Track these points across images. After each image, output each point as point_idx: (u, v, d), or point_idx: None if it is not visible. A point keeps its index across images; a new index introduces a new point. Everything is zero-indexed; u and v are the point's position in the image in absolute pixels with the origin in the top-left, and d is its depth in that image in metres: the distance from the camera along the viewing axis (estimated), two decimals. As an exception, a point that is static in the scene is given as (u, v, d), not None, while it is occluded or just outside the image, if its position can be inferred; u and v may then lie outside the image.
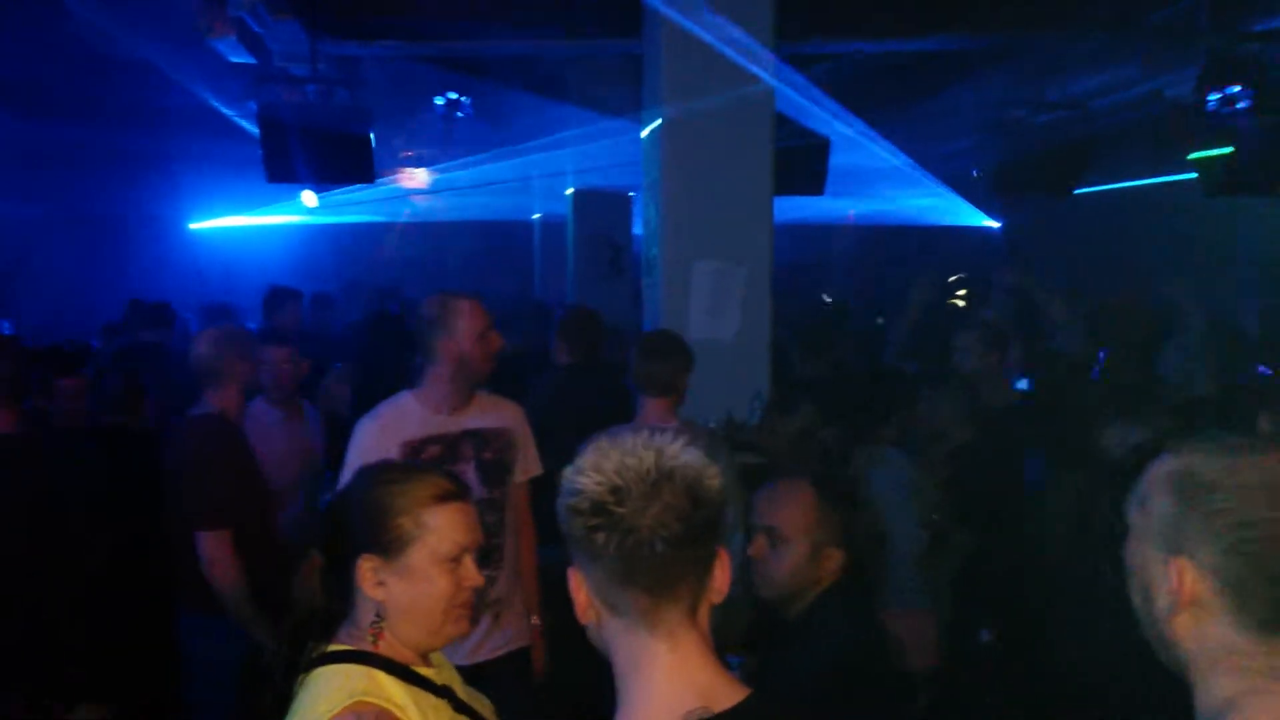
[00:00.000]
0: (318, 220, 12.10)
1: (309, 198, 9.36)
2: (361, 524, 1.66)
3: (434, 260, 12.44)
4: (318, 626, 1.67)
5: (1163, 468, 1.30)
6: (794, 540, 2.28)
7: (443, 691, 1.68)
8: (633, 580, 1.27)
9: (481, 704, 1.77)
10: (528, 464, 3.32)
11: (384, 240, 12.84)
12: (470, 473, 3.10)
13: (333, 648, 1.65)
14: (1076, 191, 8.09)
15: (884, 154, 8.26)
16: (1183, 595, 1.24)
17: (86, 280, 10.04)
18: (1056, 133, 7.60)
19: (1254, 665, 1.20)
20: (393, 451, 2.94)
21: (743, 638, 2.52)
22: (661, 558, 1.25)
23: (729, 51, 4.58)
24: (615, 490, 1.26)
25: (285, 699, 1.62)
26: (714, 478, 1.32)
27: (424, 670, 1.67)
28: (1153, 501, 1.29)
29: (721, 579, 1.35)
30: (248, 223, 12.38)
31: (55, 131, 8.36)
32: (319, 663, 1.63)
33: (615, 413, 4.37)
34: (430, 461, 3.00)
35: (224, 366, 3.53)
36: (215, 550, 3.27)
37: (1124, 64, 6.62)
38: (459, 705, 1.69)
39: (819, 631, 2.25)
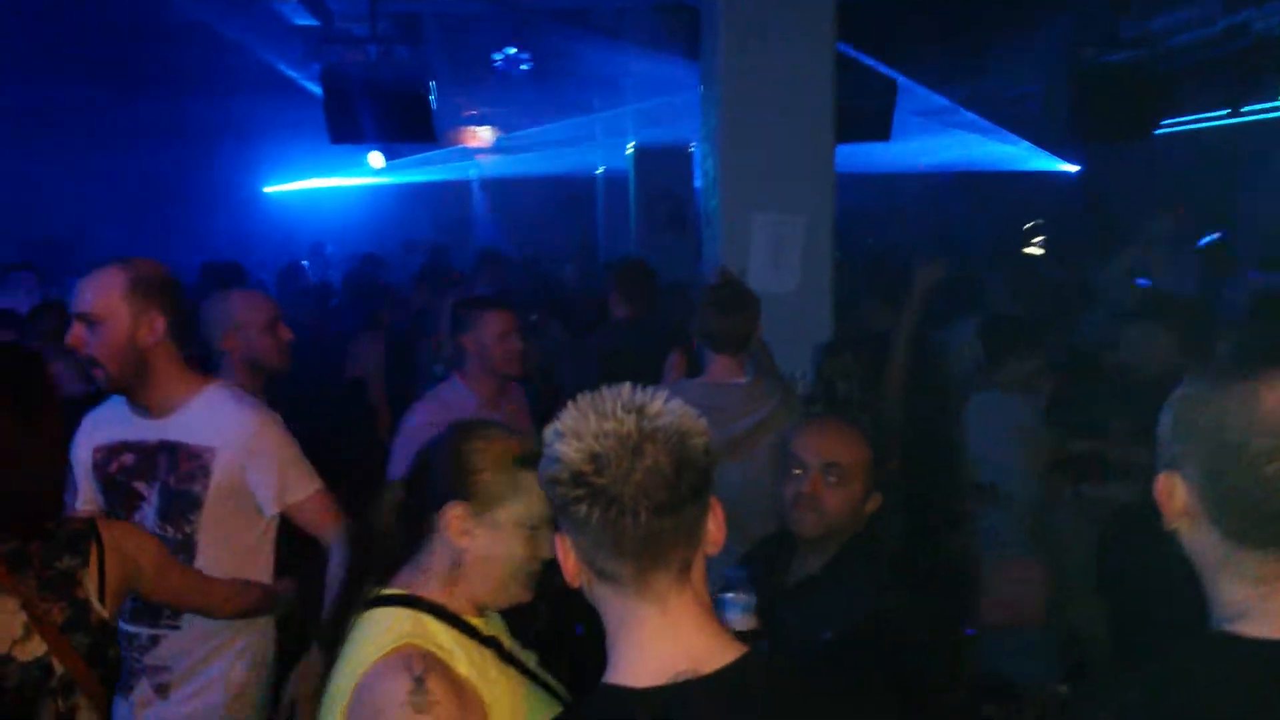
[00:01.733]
0: (385, 181, 12.26)
1: (376, 159, 9.49)
2: (454, 472, 1.68)
3: (500, 217, 12.54)
4: (381, 569, 1.70)
5: (1177, 389, 1.34)
6: (855, 478, 2.30)
7: (489, 641, 1.69)
8: (619, 550, 1.22)
9: (527, 656, 1.79)
10: (266, 495, 2.54)
11: (452, 199, 12.98)
12: (151, 499, 2.47)
13: (387, 591, 1.67)
14: (1156, 133, 7.78)
15: (949, 98, 8.04)
16: (1172, 507, 1.32)
17: (162, 246, 10.33)
18: (1133, 72, 7.29)
19: (1254, 574, 1.26)
20: (82, 457, 2.51)
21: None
22: (646, 527, 1.21)
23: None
24: (594, 458, 1.20)
25: (339, 639, 1.66)
26: (699, 435, 1.27)
27: (473, 620, 1.69)
28: (1160, 420, 1.35)
29: (716, 531, 1.32)
30: (320, 185, 12.63)
31: (127, 99, 8.59)
32: (372, 605, 1.66)
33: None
34: (119, 475, 2.49)
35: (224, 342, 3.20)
36: None
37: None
38: (505, 656, 1.71)
39: (850, 576, 2.26)
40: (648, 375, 3.57)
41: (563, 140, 9.59)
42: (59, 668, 1.85)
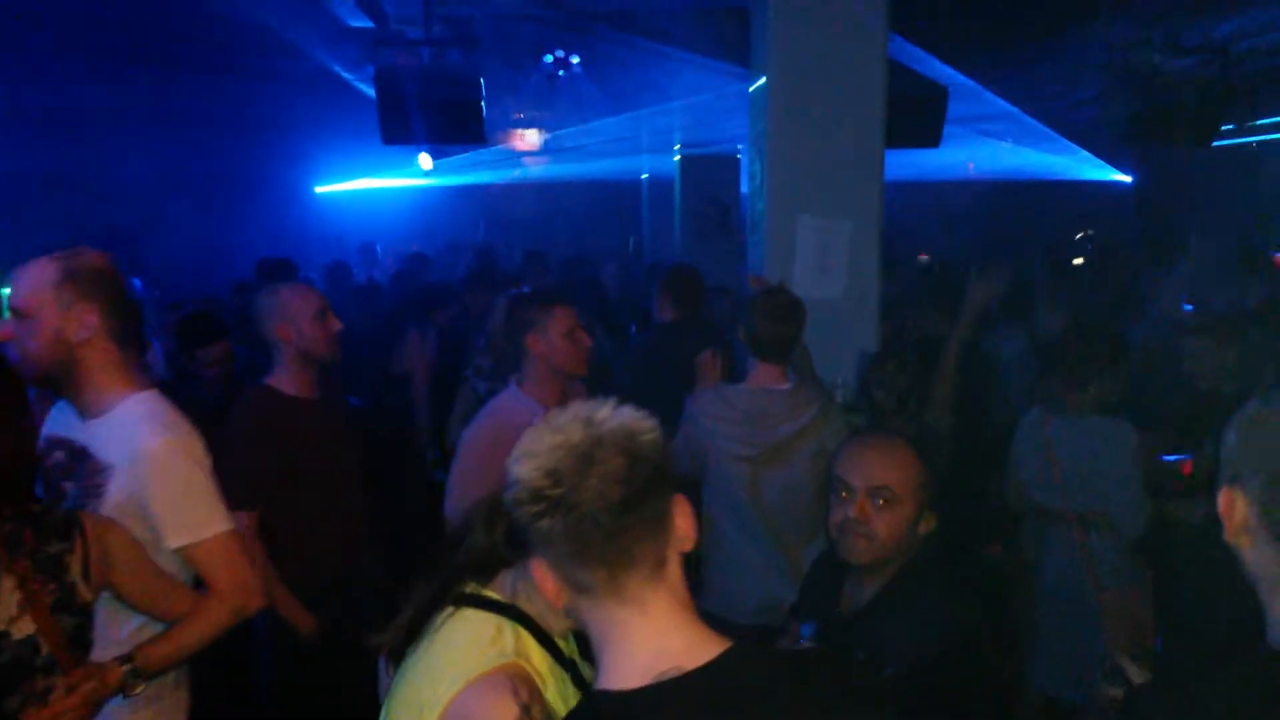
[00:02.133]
0: (435, 183, 12.40)
1: (425, 160, 9.59)
2: None
3: (545, 219, 12.61)
4: (483, 569, 1.63)
5: (1244, 407, 1.35)
6: (904, 499, 2.17)
7: (569, 664, 1.63)
8: (587, 557, 1.25)
9: (587, 671, 1.72)
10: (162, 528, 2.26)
11: (498, 200, 13.09)
12: (70, 503, 2.28)
13: (488, 593, 1.60)
14: (1215, 144, 7.63)
15: (1003, 104, 7.94)
16: (1231, 521, 1.32)
17: (215, 242, 10.52)
18: (1193, 80, 7.16)
19: None
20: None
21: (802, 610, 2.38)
22: (609, 529, 1.23)
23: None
24: (550, 473, 1.25)
25: (423, 620, 1.60)
26: (648, 432, 1.29)
27: (561, 643, 1.63)
28: (1225, 437, 1.35)
29: (684, 526, 1.32)
30: (369, 185, 12.80)
31: (184, 96, 8.76)
32: (470, 602, 1.58)
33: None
34: (53, 470, 2.33)
35: (277, 332, 3.27)
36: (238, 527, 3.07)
37: (1267, 5, 6.19)
38: (579, 681, 1.65)
39: (916, 602, 2.13)
40: (692, 379, 3.62)
41: (609, 143, 9.62)
42: (44, 648, 1.89)
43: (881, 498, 2.17)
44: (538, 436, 1.29)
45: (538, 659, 1.55)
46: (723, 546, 3.35)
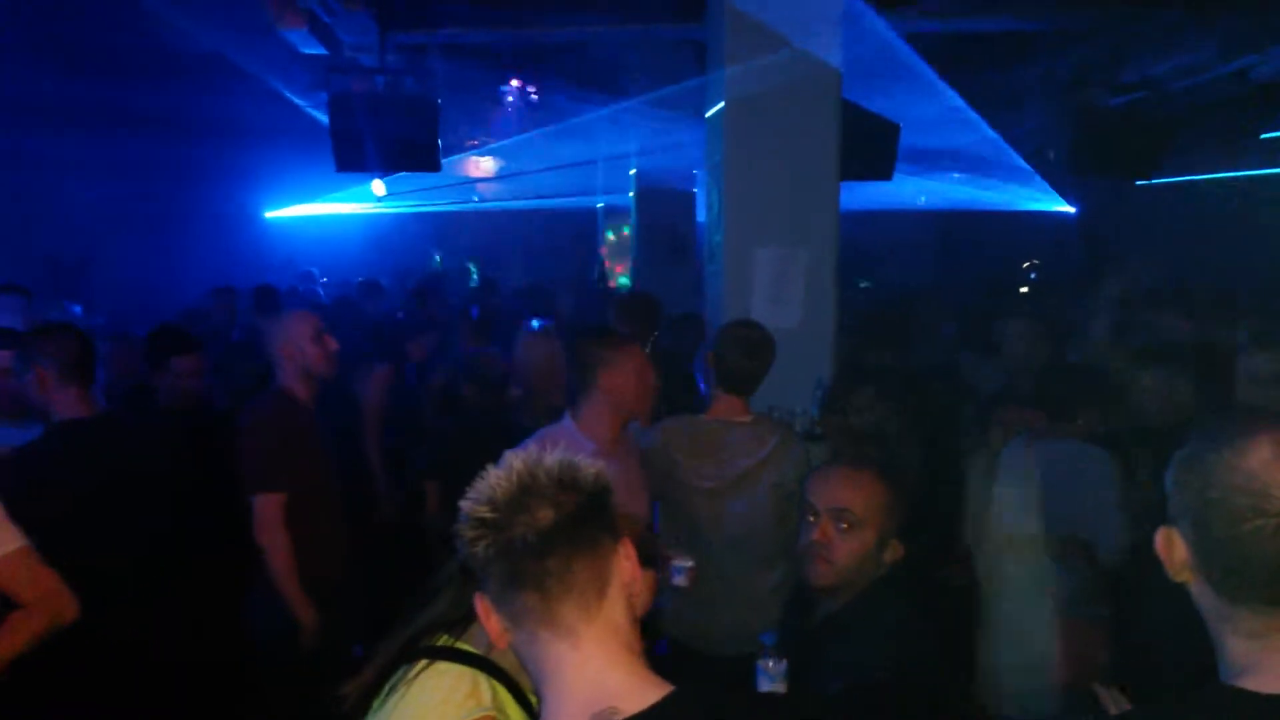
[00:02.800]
0: (388, 210, 12.31)
1: (378, 187, 9.53)
2: None
3: (499, 247, 12.57)
4: (456, 622, 1.63)
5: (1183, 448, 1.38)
6: (867, 524, 2.19)
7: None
8: (519, 582, 1.26)
9: None
10: None
11: (453, 227, 13.02)
12: None
13: (462, 645, 1.59)
14: (1154, 181, 7.85)
15: (953, 135, 8.10)
16: (1171, 561, 1.34)
17: (164, 269, 10.35)
18: (1133, 115, 7.37)
19: (1248, 629, 1.29)
20: None
21: (775, 629, 2.41)
22: (539, 550, 1.25)
23: (793, 33, 4.53)
24: (489, 500, 1.28)
25: (385, 677, 1.59)
26: (587, 467, 1.32)
27: (532, 697, 1.58)
28: (1165, 476, 1.38)
29: (629, 569, 1.33)
30: (321, 211, 12.66)
31: (132, 122, 8.62)
32: (445, 655, 1.58)
33: (677, 399, 4.39)
34: None
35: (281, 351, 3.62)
36: (265, 511, 3.35)
37: (1203, 44, 6.40)
38: None
39: (871, 623, 2.15)
40: (663, 403, 3.60)
41: (565, 172, 9.64)
42: None
43: (844, 521, 2.20)
44: (484, 475, 1.33)
45: (514, 713, 1.54)
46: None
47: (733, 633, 3.18)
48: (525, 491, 1.27)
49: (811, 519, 2.24)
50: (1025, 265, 12.32)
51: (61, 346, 3.17)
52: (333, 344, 3.64)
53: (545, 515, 1.26)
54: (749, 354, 3.33)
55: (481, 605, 1.32)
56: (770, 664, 2.22)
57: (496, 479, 1.30)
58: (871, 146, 6.19)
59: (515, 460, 1.31)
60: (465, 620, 1.60)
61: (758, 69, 4.58)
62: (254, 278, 9.52)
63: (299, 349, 3.57)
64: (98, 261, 10.34)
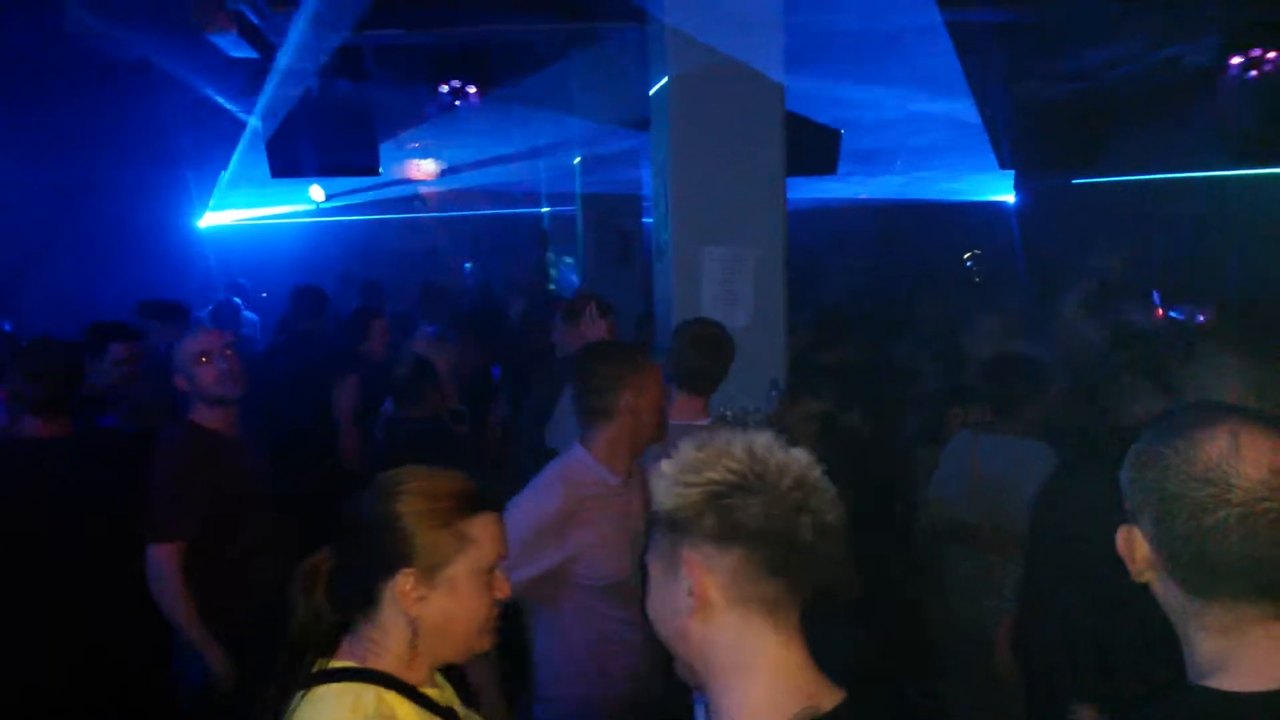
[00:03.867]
0: (327, 218, 12.07)
1: (317, 192, 9.33)
2: (393, 538, 1.55)
3: (443, 252, 12.39)
4: (320, 640, 1.58)
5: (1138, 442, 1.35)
6: None
7: (446, 713, 1.61)
8: (780, 570, 1.22)
9: (469, 717, 1.71)
10: None
11: (394, 233, 12.81)
12: None
13: (335, 664, 1.56)
14: (1088, 180, 7.99)
15: (896, 129, 8.15)
16: (1133, 560, 1.32)
17: (92, 280, 10.01)
18: (1071, 106, 7.48)
19: (1217, 625, 1.26)
20: None
21: None
22: (811, 547, 1.22)
23: (735, 33, 4.49)
24: (778, 472, 1.24)
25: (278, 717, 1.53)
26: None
27: (429, 691, 1.60)
28: (1120, 473, 1.35)
29: None
30: (256, 220, 12.35)
31: (56, 131, 8.33)
32: (320, 680, 1.53)
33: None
34: None
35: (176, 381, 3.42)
36: (155, 562, 3.14)
37: (1138, 33, 6.51)
38: None
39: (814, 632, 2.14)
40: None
41: (509, 172, 9.52)
42: None
43: None
44: (725, 447, 1.28)
45: (406, 714, 1.52)
46: None
47: None
48: (809, 487, 1.24)
49: None
50: (965, 256, 12.45)
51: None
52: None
53: (834, 515, 1.24)
54: (708, 353, 3.27)
55: (695, 568, 1.24)
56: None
57: (760, 455, 1.25)
58: (816, 141, 6.20)
59: (773, 449, 1.26)
60: (329, 635, 1.58)
61: (700, 67, 4.53)
62: (186, 288, 9.27)
63: (187, 375, 3.34)
64: (25, 274, 9.98)
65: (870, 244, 12.20)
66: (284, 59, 5.71)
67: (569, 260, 10.70)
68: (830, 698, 1.24)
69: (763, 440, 1.28)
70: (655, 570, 1.32)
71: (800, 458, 1.27)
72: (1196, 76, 6.35)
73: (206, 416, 3.37)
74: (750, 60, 4.50)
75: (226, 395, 3.36)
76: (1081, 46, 6.96)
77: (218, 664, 3.18)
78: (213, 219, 12.15)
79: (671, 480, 1.27)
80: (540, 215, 12.21)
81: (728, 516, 1.22)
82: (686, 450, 1.29)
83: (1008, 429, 3.64)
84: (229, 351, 3.39)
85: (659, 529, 1.30)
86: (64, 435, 3.38)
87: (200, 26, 5.37)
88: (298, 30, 5.43)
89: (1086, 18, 6.27)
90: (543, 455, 3.38)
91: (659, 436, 2.76)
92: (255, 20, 5.38)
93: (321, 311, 5.55)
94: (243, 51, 6.20)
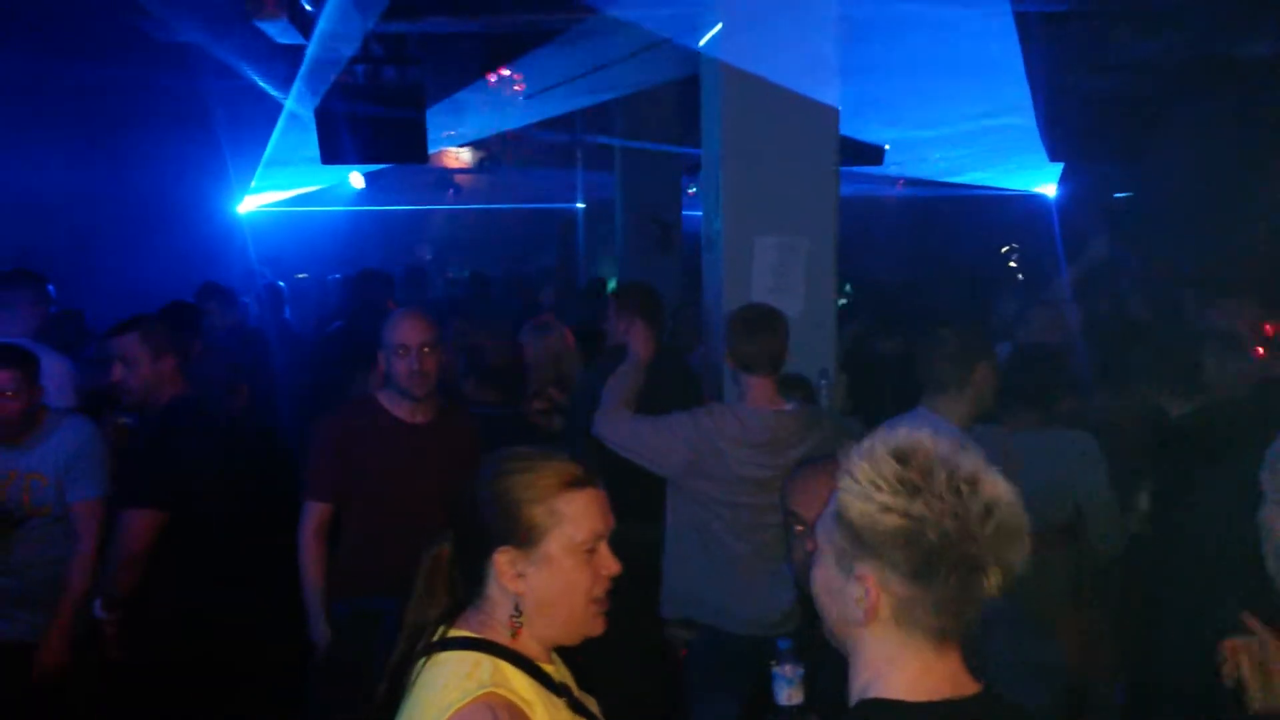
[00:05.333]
0: (366, 206, 12.11)
1: (356, 179, 9.35)
2: (494, 515, 1.61)
3: (480, 240, 12.42)
4: (443, 609, 1.65)
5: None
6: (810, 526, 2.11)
7: (561, 690, 1.63)
8: (954, 610, 1.25)
9: (591, 703, 1.72)
10: None
11: (430, 221, 12.85)
12: None
13: (456, 633, 1.61)
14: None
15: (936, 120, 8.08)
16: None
17: (131, 265, 10.10)
18: (1119, 97, 7.39)
19: None
20: None
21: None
22: (988, 596, 1.24)
23: (791, 22, 4.46)
24: (981, 518, 1.22)
25: (400, 684, 1.58)
26: None
27: (546, 667, 1.63)
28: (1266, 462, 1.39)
29: None
30: (293, 208, 12.42)
31: (101, 115, 8.42)
32: (442, 647, 1.59)
33: (684, 392, 4.33)
34: None
35: None
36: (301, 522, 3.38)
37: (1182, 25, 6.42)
38: (575, 705, 1.65)
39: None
40: (663, 398, 3.56)
41: (548, 161, 9.53)
42: None
43: (794, 522, 2.16)
44: (894, 464, 1.26)
45: (521, 686, 1.54)
46: (718, 559, 3.32)
47: (758, 617, 3.22)
48: (1006, 534, 1.22)
49: (799, 529, 2.16)
50: (1004, 249, 12.34)
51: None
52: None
53: (1020, 564, 1.24)
54: (759, 331, 3.32)
55: (874, 589, 1.26)
56: (787, 669, 2.15)
57: (989, 501, 1.22)
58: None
59: (1001, 485, 1.25)
60: (452, 608, 1.64)
61: (755, 54, 4.51)
62: (222, 273, 9.34)
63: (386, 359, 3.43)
64: (67, 255, 10.08)
65: (910, 234, 12.14)
66: (335, 46, 5.73)
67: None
68: (971, 687, 1.28)
69: (969, 467, 1.24)
70: (827, 556, 1.34)
71: (1006, 495, 1.24)
72: (1255, 67, 6.24)
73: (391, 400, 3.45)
74: (804, 55, 4.48)
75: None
76: (1135, 37, 6.86)
77: (317, 633, 3.32)
78: (251, 204, 12.25)
79: (865, 491, 1.25)
80: (575, 209, 12.22)
81: (918, 556, 1.21)
82: (883, 454, 1.26)
83: (1046, 422, 3.58)
84: (427, 350, 3.36)
85: (840, 527, 1.30)
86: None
87: (251, 13, 5.38)
88: (350, 17, 5.45)
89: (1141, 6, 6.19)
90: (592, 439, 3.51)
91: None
92: (308, 6, 5.39)
93: (383, 295, 5.59)
94: (291, 38, 6.23)
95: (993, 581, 1.22)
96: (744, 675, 2.49)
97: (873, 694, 1.27)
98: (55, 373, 4.28)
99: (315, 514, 3.36)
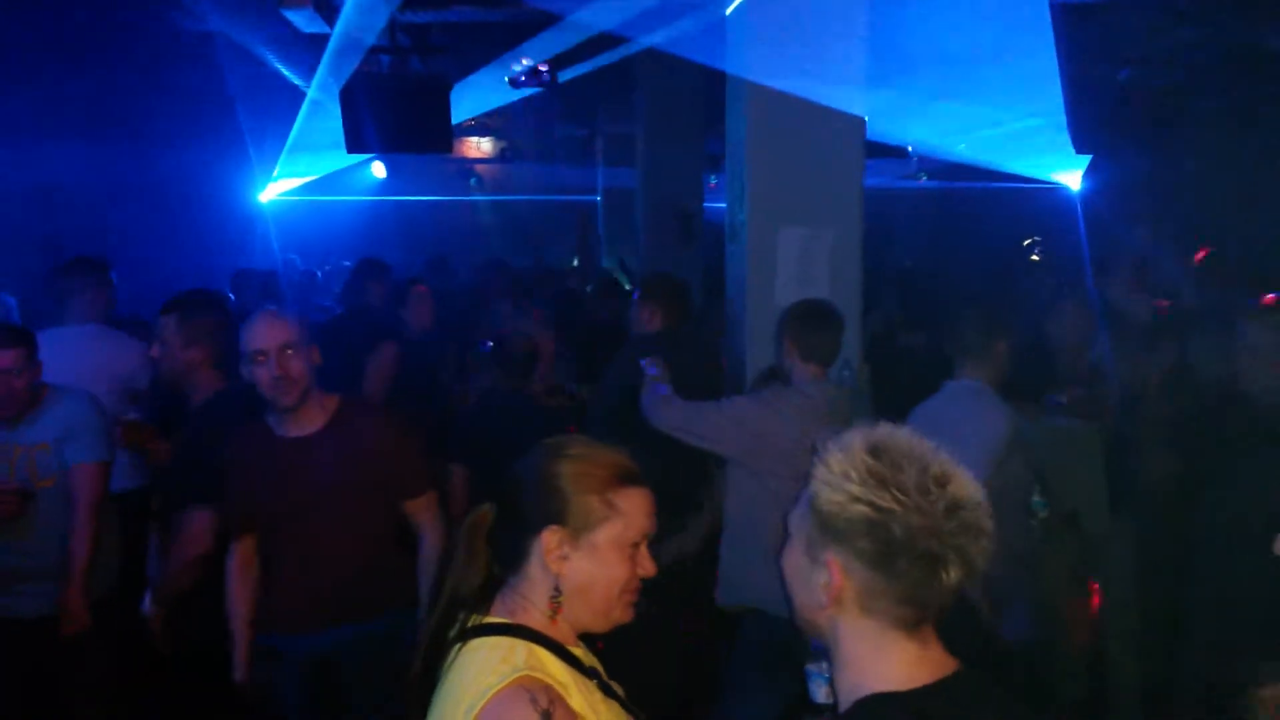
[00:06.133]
0: (388, 196, 12.15)
1: (378, 168, 9.38)
2: (548, 495, 1.63)
3: (501, 231, 12.44)
4: (473, 595, 1.66)
5: None
6: None
7: (591, 673, 1.65)
8: (916, 601, 1.28)
9: (618, 688, 1.74)
10: None
11: (447, 213, 12.87)
12: None
13: (489, 619, 1.62)
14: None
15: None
16: None
17: (156, 250, 10.15)
18: (1144, 89, 7.33)
19: None
20: None
21: None
22: (951, 589, 1.27)
23: (818, 17, 4.45)
24: (947, 513, 1.25)
25: (433, 670, 1.60)
26: None
27: (575, 650, 1.65)
28: None
29: None
30: (314, 193, 12.47)
31: (125, 102, 8.47)
32: (475, 634, 1.60)
33: (713, 380, 4.35)
34: None
35: None
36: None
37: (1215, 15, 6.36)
38: (605, 688, 1.67)
39: None
40: (694, 387, 3.59)
41: (568, 152, 9.52)
42: None
43: None
44: (868, 458, 1.29)
45: (555, 669, 1.56)
46: (767, 541, 3.34)
47: None
48: (971, 531, 1.26)
49: None
50: (1026, 243, 12.28)
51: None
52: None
53: (982, 560, 1.27)
54: (824, 327, 3.61)
55: (839, 575, 1.31)
56: (823, 665, 2.16)
57: (954, 497, 1.26)
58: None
59: (970, 486, 1.29)
60: (484, 593, 1.66)
61: (780, 44, 4.50)
62: (245, 261, 9.40)
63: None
64: (91, 243, 10.13)
65: (933, 226, 12.10)
66: (360, 35, 5.75)
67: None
68: (950, 665, 1.32)
69: (940, 465, 1.28)
70: (797, 542, 1.39)
71: (973, 493, 1.27)
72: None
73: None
74: (831, 47, 4.46)
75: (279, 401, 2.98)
76: (1158, 30, 6.81)
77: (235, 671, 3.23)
78: (273, 192, 12.32)
79: (837, 481, 1.29)
80: (597, 191, 12.22)
81: (881, 545, 1.26)
82: (858, 447, 1.30)
83: (1058, 411, 3.78)
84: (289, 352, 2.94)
85: (811, 514, 1.34)
86: None
87: (278, 3, 5.41)
88: (375, 6, 5.46)
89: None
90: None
91: None
92: (335, -2, 5.42)
93: (379, 284, 5.58)
94: (317, 27, 6.25)
95: (952, 575, 1.25)
96: (789, 663, 2.52)
97: (867, 690, 1.30)
98: (134, 353, 4.37)
99: (237, 549, 3.10)
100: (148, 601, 3.30)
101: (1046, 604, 3.54)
